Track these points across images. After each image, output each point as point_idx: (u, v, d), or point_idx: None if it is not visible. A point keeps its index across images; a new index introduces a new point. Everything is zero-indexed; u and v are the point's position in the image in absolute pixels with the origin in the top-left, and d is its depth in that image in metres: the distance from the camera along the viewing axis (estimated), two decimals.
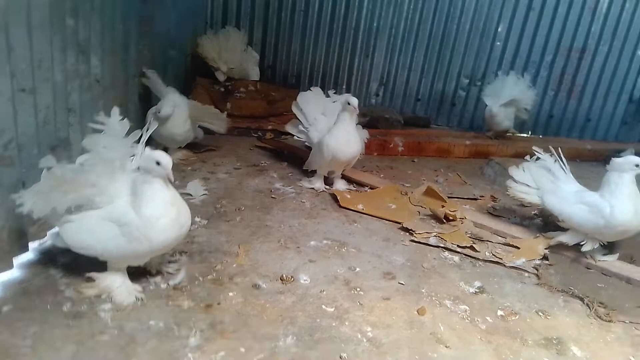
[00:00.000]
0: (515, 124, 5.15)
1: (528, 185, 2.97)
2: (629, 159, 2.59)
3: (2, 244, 2.04)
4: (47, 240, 2.30)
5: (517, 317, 2.20)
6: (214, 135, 4.14)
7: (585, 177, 3.55)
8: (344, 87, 5.89)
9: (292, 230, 2.85)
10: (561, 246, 2.82)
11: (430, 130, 5.51)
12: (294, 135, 3.79)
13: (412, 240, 2.85)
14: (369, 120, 5.17)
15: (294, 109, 3.69)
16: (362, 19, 5.66)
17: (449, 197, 3.48)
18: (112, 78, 2.95)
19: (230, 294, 2.16)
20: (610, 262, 2.73)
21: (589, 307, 2.34)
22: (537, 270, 2.64)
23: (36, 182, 1.96)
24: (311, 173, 3.62)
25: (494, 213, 3.36)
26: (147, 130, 2.11)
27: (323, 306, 2.14)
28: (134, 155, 2.07)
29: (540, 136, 5.82)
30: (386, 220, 3.10)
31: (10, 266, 2.10)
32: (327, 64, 5.83)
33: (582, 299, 2.40)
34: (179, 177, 3.30)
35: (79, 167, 1.98)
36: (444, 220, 3.07)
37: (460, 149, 4.81)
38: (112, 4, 2.85)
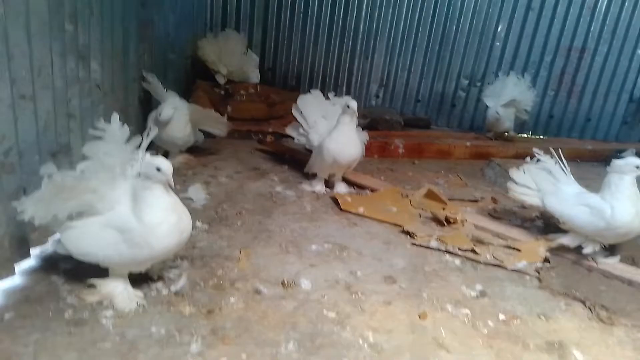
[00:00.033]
0: (515, 124, 5.16)
1: (529, 187, 2.97)
2: (630, 160, 2.58)
3: (4, 251, 2.04)
4: (49, 247, 2.30)
5: (518, 321, 2.20)
6: (215, 139, 4.14)
7: (586, 178, 3.55)
8: (344, 88, 5.90)
9: (293, 234, 2.85)
10: (562, 248, 2.82)
11: (430, 132, 5.51)
12: (294, 138, 3.79)
13: (413, 244, 2.85)
14: (369, 122, 5.18)
15: (294, 112, 3.69)
16: (362, 20, 5.67)
17: (449, 200, 3.48)
18: (112, 83, 2.96)
19: (232, 299, 2.15)
20: (612, 264, 2.73)
21: (591, 311, 2.34)
22: (538, 273, 2.63)
23: (37, 189, 1.96)
24: (312, 176, 3.62)
25: (494, 215, 3.36)
26: (147, 136, 2.10)
27: (324, 311, 2.14)
28: (134, 161, 2.06)
29: (541, 137, 5.82)
30: (387, 223, 3.10)
31: (12, 273, 2.10)
32: (326, 65, 5.83)
33: (583, 302, 2.40)
34: (180, 181, 3.31)
35: (80, 174, 1.98)
36: (445, 223, 3.07)
37: (461, 150, 4.81)
38: (112, 9, 2.85)
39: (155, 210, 1.91)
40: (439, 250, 2.80)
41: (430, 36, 5.72)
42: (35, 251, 2.27)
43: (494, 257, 2.74)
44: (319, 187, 3.50)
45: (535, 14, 5.53)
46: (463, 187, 3.97)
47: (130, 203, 1.96)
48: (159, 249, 1.96)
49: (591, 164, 4.73)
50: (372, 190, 3.59)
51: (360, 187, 3.67)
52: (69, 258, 2.06)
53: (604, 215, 2.57)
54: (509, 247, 2.88)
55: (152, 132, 2.13)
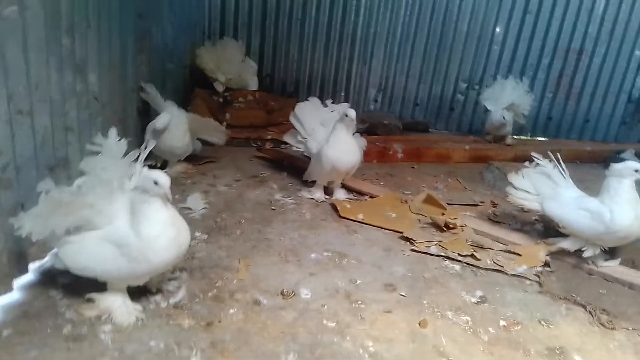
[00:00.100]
0: (513, 128, 5.15)
1: (528, 192, 2.96)
2: (628, 164, 2.58)
3: (2, 267, 2.05)
4: (47, 262, 2.30)
5: (519, 327, 2.20)
6: (213, 147, 4.14)
7: (585, 180, 3.55)
8: (343, 94, 5.90)
9: (293, 242, 2.85)
10: (562, 252, 2.82)
11: (429, 136, 5.51)
12: (292, 146, 3.79)
13: (413, 250, 2.85)
14: (368, 127, 5.19)
15: (292, 120, 3.69)
16: (359, 25, 5.67)
17: (448, 204, 3.47)
18: (110, 94, 2.96)
19: (231, 311, 2.15)
20: (612, 267, 2.73)
21: (592, 315, 2.33)
22: (538, 277, 2.63)
23: (35, 205, 1.96)
24: (311, 183, 3.62)
25: (494, 219, 3.35)
26: (145, 149, 2.11)
27: (324, 321, 2.14)
28: (132, 175, 2.07)
29: (540, 138, 5.82)
30: (386, 229, 3.09)
31: (10, 289, 2.10)
32: (325, 71, 5.84)
33: (584, 307, 2.39)
34: (179, 191, 3.31)
35: (77, 190, 1.98)
36: (445, 229, 3.07)
37: (460, 153, 4.81)
38: (109, 21, 2.86)
39: (153, 224, 1.91)
40: (438, 256, 2.79)
41: (428, 40, 5.72)
42: (33, 265, 2.27)
43: (494, 262, 2.74)
44: (318, 194, 3.50)
45: (533, 16, 5.53)
46: (462, 191, 3.96)
47: (128, 217, 1.96)
48: (157, 263, 1.96)
49: (590, 165, 4.73)
50: (372, 197, 3.58)
51: (360, 193, 3.66)
52: (67, 272, 2.06)
53: (604, 219, 2.56)
54: (509, 251, 2.88)
55: (150, 145, 2.13)
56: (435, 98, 5.93)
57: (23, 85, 2.04)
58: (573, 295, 2.48)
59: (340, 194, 3.53)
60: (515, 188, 3.01)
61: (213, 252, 2.64)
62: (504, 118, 4.87)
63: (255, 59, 5.61)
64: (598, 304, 2.42)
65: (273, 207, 3.30)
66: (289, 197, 3.48)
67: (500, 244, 2.97)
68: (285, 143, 3.96)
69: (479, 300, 2.38)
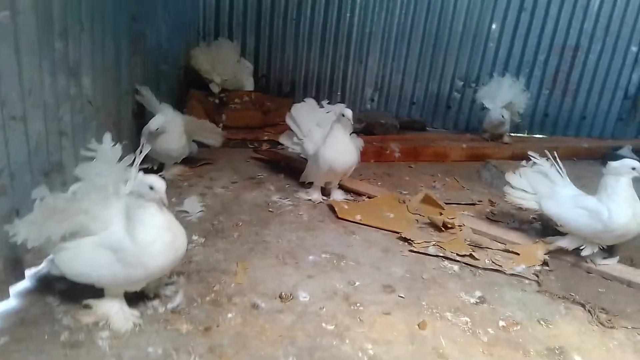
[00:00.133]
0: (509, 126, 5.15)
1: (525, 191, 2.96)
2: (625, 162, 2.58)
3: None
4: (44, 268, 2.28)
5: (518, 327, 2.19)
6: (210, 149, 4.12)
7: (583, 177, 3.56)
8: (339, 93, 5.89)
9: (290, 244, 2.83)
10: (561, 251, 2.81)
11: (426, 135, 5.51)
12: (288, 147, 3.78)
13: (411, 250, 2.84)
14: (364, 126, 5.18)
15: (288, 121, 3.68)
16: (354, 25, 5.66)
17: (446, 204, 3.47)
18: (104, 98, 2.94)
19: (229, 315, 2.14)
20: (611, 265, 2.73)
21: (591, 314, 2.33)
22: (537, 276, 2.63)
23: (30, 212, 1.95)
24: (308, 184, 3.61)
25: (492, 218, 3.34)
26: (140, 153, 2.09)
27: (323, 324, 2.13)
28: (127, 180, 2.05)
29: (536, 135, 5.83)
30: (384, 230, 3.09)
31: (7, 296, 2.09)
32: (321, 71, 5.82)
33: (583, 305, 2.39)
34: (176, 194, 3.30)
35: (72, 196, 1.97)
36: (443, 229, 3.06)
37: (457, 152, 4.81)
38: (102, 24, 2.83)
39: (148, 229, 1.90)
40: (437, 256, 2.79)
41: (424, 39, 5.71)
42: (29, 272, 2.25)
43: (492, 261, 2.74)
44: (316, 195, 3.49)
45: (528, 14, 5.53)
46: (460, 190, 3.95)
47: (123, 222, 1.95)
48: (154, 268, 1.95)
49: (588, 162, 4.73)
50: (369, 197, 3.58)
51: (357, 193, 3.66)
52: (63, 279, 2.04)
53: (601, 217, 2.56)
54: (507, 250, 2.87)
55: (145, 150, 2.11)
56: (432, 96, 5.92)
57: (16, 91, 2.01)
58: (572, 294, 2.48)
59: (337, 195, 3.52)
60: (512, 187, 3.01)
61: (210, 256, 2.63)
62: (502, 117, 4.87)
63: (250, 59, 5.59)
64: (597, 302, 2.42)
65: (270, 209, 3.29)
66: (286, 198, 3.47)
67: (499, 243, 2.96)
68: (282, 144, 3.94)
69: (478, 301, 2.38)
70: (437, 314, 2.25)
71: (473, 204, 3.62)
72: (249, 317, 2.14)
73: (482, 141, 5.11)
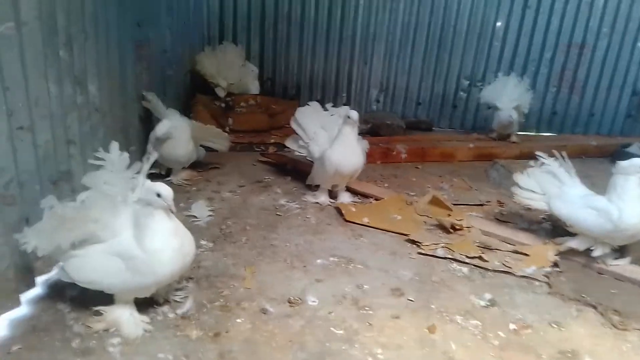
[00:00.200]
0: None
1: (534, 192, 2.93)
2: (634, 162, 2.55)
3: (9, 283, 2.05)
4: (54, 275, 2.30)
5: (530, 331, 2.17)
6: (217, 153, 4.13)
7: (592, 175, 3.53)
8: (344, 95, 5.88)
9: (298, 248, 2.83)
10: (571, 252, 2.78)
11: (433, 135, 5.48)
12: (294, 150, 3.78)
13: (420, 253, 2.83)
14: (370, 127, 5.17)
15: (293, 125, 3.68)
16: (359, 26, 5.64)
17: (454, 205, 3.45)
18: (110, 105, 2.96)
19: (238, 320, 2.14)
20: (622, 266, 2.69)
21: (603, 316, 2.30)
22: (548, 278, 2.60)
23: (39, 220, 1.97)
24: (315, 187, 3.60)
25: (501, 219, 3.32)
26: (147, 161, 2.10)
27: (332, 328, 2.12)
28: (135, 187, 2.06)
29: (544, 134, 5.78)
30: (392, 232, 3.07)
31: (18, 304, 2.11)
32: (326, 73, 5.81)
33: (595, 307, 2.36)
34: (184, 199, 3.31)
35: (81, 204, 1.98)
36: (451, 230, 3.05)
37: (464, 152, 4.78)
38: (107, 32, 2.85)
39: (157, 236, 1.91)
40: (445, 258, 2.77)
41: (428, 38, 5.69)
42: (40, 280, 2.27)
43: (502, 263, 2.71)
44: (323, 198, 3.49)
45: (533, 11, 5.49)
46: (468, 191, 3.93)
47: (132, 230, 1.96)
48: (163, 275, 1.96)
49: (597, 160, 4.69)
50: (376, 199, 3.57)
51: (364, 195, 3.64)
52: (74, 284, 2.06)
53: (611, 217, 2.53)
54: (516, 252, 2.85)
55: (152, 157, 2.12)
56: (438, 96, 5.89)
57: (23, 101, 2.03)
58: (583, 295, 2.45)
59: (344, 198, 3.51)
60: (521, 188, 2.98)
61: (219, 261, 2.63)
62: (511, 117, 4.83)
63: (255, 62, 5.59)
64: (609, 304, 2.39)
65: (278, 213, 3.29)
66: (294, 201, 3.46)
67: (508, 245, 2.94)
68: (288, 147, 3.94)
69: (488, 304, 2.36)
70: (447, 318, 2.24)
71: (481, 205, 3.59)
72: (258, 322, 2.14)
73: (489, 141, 5.08)
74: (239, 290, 2.37)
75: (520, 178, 3.00)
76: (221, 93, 5.17)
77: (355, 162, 3.33)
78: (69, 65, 2.41)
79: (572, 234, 2.81)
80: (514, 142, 5.00)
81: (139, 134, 3.57)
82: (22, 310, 2.11)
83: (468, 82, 5.80)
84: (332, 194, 3.54)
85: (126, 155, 2.03)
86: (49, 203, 1.91)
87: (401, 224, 3.17)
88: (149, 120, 3.69)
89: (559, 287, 2.53)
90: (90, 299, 2.09)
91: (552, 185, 2.87)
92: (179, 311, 2.16)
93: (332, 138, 3.36)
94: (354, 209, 3.32)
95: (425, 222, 3.23)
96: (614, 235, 2.59)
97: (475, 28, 5.58)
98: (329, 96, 5.71)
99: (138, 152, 3.34)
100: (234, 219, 3.15)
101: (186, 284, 2.36)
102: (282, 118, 4.91)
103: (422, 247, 2.86)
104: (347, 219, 3.19)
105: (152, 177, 2.16)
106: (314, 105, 3.70)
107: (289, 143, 3.81)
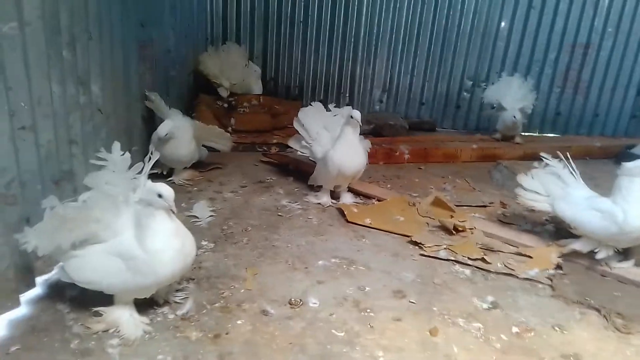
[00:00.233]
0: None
1: (538, 193, 2.91)
2: (639, 163, 2.52)
3: (9, 283, 2.04)
4: (54, 275, 2.30)
5: (532, 334, 2.15)
6: (219, 153, 4.13)
7: (596, 177, 3.51)
8: (347, 95, 5.88)
9: (300, 249, 2.82)
10: (575, 254, 2.76)
11: (436, 136, 5.47)
12: (297, 151, 3.77)
13: (422, 254, 2.81)
14: (373, 128, 5.16)
15: (296, 125, 3.67)
16: (362, 26, 5.64)
17: (457, 206, 3.43)
18: (114, 105, 2.95)
19: (239, 322, 2.13)
20: (626, 269, 2.66)
21: (606, 319, 2.28)
22: (551, 280, 2.58)
23: (40, 220, 1.96)
24: (317, 187, 3.59)
25: (504, 220, 3.30)
26: (148, 161, 2.09)
27: (333, 331, 2.11)
28: (136, 188, 2.05)
29: (548, 134, 5.75)
30: (394, 233, 3.06)
31: (18, 304, 2.10)
32: (329, 73, 5.81)
33: (598, 310, 2.34)
34: (185, 199, 3.31)
35: (82, 205, 1.97)
36: (454, 232, 3.03)
37: (467, 153, 4.76)
38: (110, 32, 2.85)
39: (158, 237, 1.90)
40: (448, 260, 2.75)
41: (432, 38, 5.68)
42: (40, 280, 2.26)
43: (505, 265, 2.69)
44: (325, 198, 3.48)
45: (537, 11, 5.47)
46: (471, 192, 3.91)
47: (133, 230, 1.95)
48: (163, 276, 1.95)
49: (601, 161, 4.66)
50: (379, 200, 3.55)
51: (367, 196, 3.63)
52: (74, 284, 2.05)
53: (616, 219, 2.50)
54: (519, 254, 2.83)
55: (154, 157, 2.10)
56: (441, 97, 5.88)
57: (25, 101, 2.03)
58: (587, 298, 2.42)
59: (347, 198, 3.50)
60: (524, 189, 2.96)
61: (220, 261, 2.62)
62: (514, 117, 4.81)
63: (258, 63, 5.61)
64: (612, 307, 2.36)
65: (280, 213, 3.28)
66: (296, 202, 3.45)
67: (511, 247, 2.92)
68: (291, 147, 3.93)
69: (491, 306, 2.34)
70: (449, 320, 2.22)
71: (484, 206, 3.57)
72: (259, 324, 2.13)
73: (493, 141, 5.06)
74: (239, 291, 2.36)
75: (524, 179, 2.98)
76: (224, 93, 5.17)
77: (358, 162, 3.32)
78: (72, 65, 2.40)
79: (576, 236, 2.79)
80: (517, 143, 4.97)
81: (141, 134, 3.58)
82: (22, 310, 2.11)
83: (471, 82, 5.78)
84: (334, 195, 3.53)
85: (128, 155, 2.02)
86: (50, 203, 1.91)
87: (403, 225, 3.15)
88: (151, 120, 3.69)
89: (562, 289, 2.50)
90: (89, 300, 2.08)
91: (556, 186, 2.85)
92: (179, 312, 2.15)
93: (334, 138, 3.34)
94: (356, 210, 3.31)
95: (427, 223, 3.21)
96: (619, 238, 2.56)
97: (479, 28, 5.57)
98: (331, 96, 5.71)
99: (140, 152, 3.34)
100: (235, 219, 3.15)
101: (187, 284, 2.35)
102: (285, 118, 4.91)
103: (425, 248, 2.84)
104: (349, 219, 3.18)
105: (154, 177, 2.15)
106: (317, 105, 3.69)
107: (291, 143, 3.81)
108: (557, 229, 3.07)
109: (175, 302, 2.21)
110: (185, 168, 3.76)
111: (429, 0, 5.51)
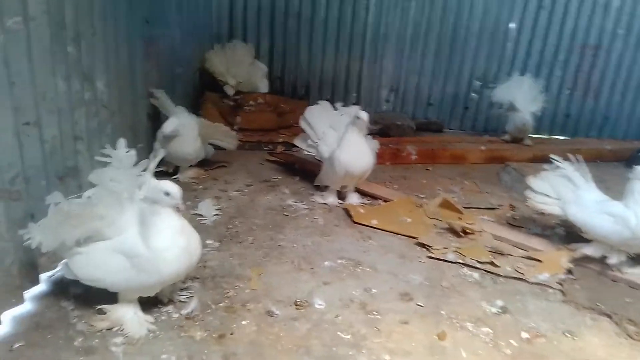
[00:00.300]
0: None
1: (548, 196, 2.86)
2: None
3: (13, 280, 2.03)
4: (58, 271, 2.28)
5: (543, 340, 2.10)
6: (225, 151, 4.10)
7: (606, 180, 3.45)
8: (354, 94, 5.82)
9: (306, 249, 2.79)
10: (586, 259, 2.71)
11: (443, 136, 5.41)
12: (303, 150, 3.73)
13: (429, 257, 2.77)
14: (380, 128, 5.11)
15: (302, 124, 3.63)
16: (369, 25, 5.58)
17: (465, 208, 3.38)
18: (119, 102, 2.93)
19: (244, 322, 2.10)
20: (638, 274, 2.61)
21: (618, 325, 2.23)
22: (561, 285, 2.53)
23: (44, 216, 1.95)
24: (323, 187, 3.56)
25: (513, 223, 3.25)
26: (154, 159, 2.07)
27: (339, 333, 2.07)
28: (141, 185, 2.03)
29: (557, 137, 5.68)
30: (401, 235, 3.02)
31: (22, 301, 2.09)
32: (336, 72, 5.76)
33: (610, 316, 2.29)
34: (191, 197, 3.28)
35: (87, 201, 1.95)
36: (462, 234, 2.98)
37: (475, 154, 4.71)
38: (115, 28, 2.82)
39: (163, 235, 1.88)
40: (456, 263, 2.71)
41: (440, 38, 5.61)
42: (44, 276, 2.25)
43: (514, 269, 2.65)
44: (331, 198, 3.44)
45: (547, 12, 5.40)
46: (479, 194, 3.86)
47: (137, 228, 1.93)
48: (168, 274, 1.93)
49: (612, 164, 4.60)
50: (385, 201, 3.51)
51: (373, 197, 3.59)
52: (78, 282, 2.03)
53: (629, 224, 2.46)
54: (529, 258, 2.78)
55: (159, 155, 2.08)
56: (449, 97, 5.82)
57: (30, 96, 2.01)
58: (598, 304, 2.38)
59: (353, 199, 3.46)
60: (534, 192, 2.91)
61: (225, 261, 2.60)
62: (525, 119, 4.74)
63: (264, 61, 5.56)
64: (624, 313, 2.31)
65: (285, 213, 3.25)
66: (302, 202, 3.42)
67: (520, 250, 2.87)
68: (297, 146, 3.90)
69: (500, 311, 2.30)
70: (457, 324, 2.18)
71: (493, 209, 3.52)
72: (264, 325, 2.10)
73: (501, 143, 5.00)
74: (244, 291, 2.34)
75: (533, 181, 2.93)
76: (230, 91, 5.14)
77: (366, 162, 3.28)
78: (77, 61, 2.38)
79: (587, 240, 2.74)
80: (527, 145, 4.91)
81: (147, 132, 3.55)
82: (26, 307, 2.10)
83: (480, 83, 5.72)
84: (341, 195, 3.50)
85: (133, 152, 2.00)
86: (55, 199, 1.89)
87: (411, 226, 3.11)
88: (157, 118, 3.67)
89: (573, 295, 2.46)
90: (94, 297, 2.06)
91: (566, 189, 2.80)
92: (184, 311, 2.13)
93: (341, 138, 3.30)
94: (362, 211, 3.27)
95: (435, 225, 3.17)
96: (632, 243, 2.51)
97: (488, 28, 5.50)
98: (338, 96, 5.65)
99: (146, 149, 3.31)
100: (240, 218, 3.12)
101: (191, 283, 2.33)
102: (291, 117, 4.87)
103: (432, 250, 2.80)
104: (356, 220, 3.15)
105: (159, 175, 2.13)
106: (324, 104, 3.65)
107: (297, 142, 3.77)
108: (568, 233, 3.01)
109: (180, 301, 2.19)
110: (190, 166, 3.73)
111: None
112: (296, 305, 2.25)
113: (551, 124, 5.71)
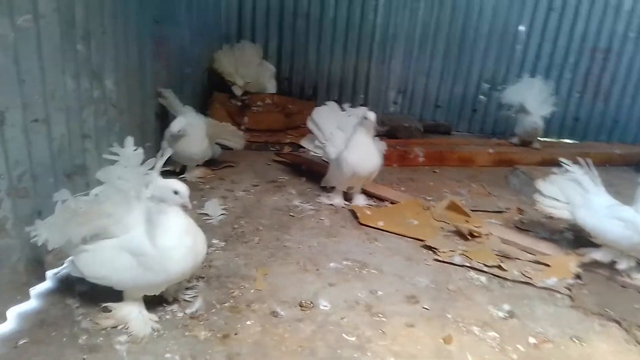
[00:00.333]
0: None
1: (557, 200, 2.83)
2: None
3: (19, 276, 2.03)
4: (64, 269, 2.28)
5: (550, 345, 2.08)
6: (232, 151, 4.10)
7: (616, 184, 3.41)
8: (362, 96, 5.81)
9: (312, 250, 2.78)
10: (594, 263, 2.67)
11: (451, 139, 5.38)
12: (310, 151, 3.73)
13: (436, 260, 2.75)
14: (388, 130, 5.09)
15: (310, 125, 3.63)
16: (378, 26, 5.56)
17: (473, 211, 3.35)
18: (128, 100, 2.94)
19: (248, 322, 2.10)
20: None
21: (627, 332, 2.20)
22: (570, 290, 2.50)
23: (51, 213, 1.95)
24: (330, 188, 3.55)
25: (521, 227, 3.22)
26: (161, 157, 2.07)
27: (344, 335, 2.06)
28: (148, 184, 2.03)
29: (566, 140, 5.63)
30: (408, 237, 3.00)
31: (28, 298, 2.09)
32: (344, 73, 5.75)
33: (619, 323, 2.26)
34: (197, 196, 3.28)
35: (94, 199, 1.96)
36: (469, 237, 2.96)
37: (483, 157, 4.67)
38: (125, 28, 2.83)
39: (169, 234, 1.88)
40: (463, 266, 2.69)
41: (449, 39, 5.58)
42: (50, 273, 2.25)
43: (522, 273, 2.62)
44: (338, 200, 3.43)
45: (557, 14, 5.35)
46: (487, 197, 3.83)
47: (144, 226, 1.93)
48: (174, 273, 1.93)
49: (621, 168, 4.54)
50: (392, 203, 3.49)
51: (380, 199, 3.57)
52: (84, 280, 2.04)
53: (639, 229, 2.42)
54: (537, 262, 2.75)
55: (166, 154, 2.08)
56: (457, 99, 5.78)
57: (39, 94, 2.02)
58: (607, 310, 2.34)
59: (360, 200, 3.45)
60: (543, 195, 2.88)
61: (230, 260, 2.59)
62: (536, 123, 4.69)
63: (273, 61, 5.56)
64: (633, 319, 2.28)
65: (291, 214, 3.24)
66: (308, 203, 3.41)
67: (528, 254, 2.84)
68: (304, 147, 3.89)
69: (507, 315, 2.27)
70: (464, 328, 2.16)
71: (500, 212, 3.49)
72: (268, 326, 2.09)
73: (510, 146, 4.95)
74: (249, 291, 2.33)
75: (542, 185, 2.90)
76: (238, 91, 5.14)
77: (373, 163, 3.26)
78: (87, 59, 2.39)
79: (596, 245, 2.70)
80: (535, 149, 4.87)
81: (154, 131, 3.56)
82: (31, 303, 2.10)
83: (489, 85, 5.68)
84: (347, 196, 3.48)
85: (141, 150, 2.00)
86: (62, 196, 1.89)
87: (417, 229, 3.09)
88: (165, 117, 3.68)
89: (582, 300, 2.43)
90: (99, 295, 2.07)
91: (576, 193, 2.76)
92: (188, 311, 2.13)
93: (349, 139, 3.29)
94: (369, 212, 3.26)
95: (442, 227, 3.15)
96: None
97: (497, 30, 5.46)
98: (346, 97, 5.64)
99: (153, 148, 3.32)
100: (246, 218, 3.12)
101: (196, 283, 2.33)
102: (298, 118, 4.87)
103: (439, 253, 2.78)
104: (362, 222, 3.13)
105: (166, 174, 2.13)
106: (332, 105, 3.64)
107: (304, 143, 3.76)
108: (576, 237, 2.98)
109: (185, 301, 2.19)
110: (197, 165, 3.74)
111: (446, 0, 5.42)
112: (301, 306, 2.24)
113: (560, 127, 5.65)
